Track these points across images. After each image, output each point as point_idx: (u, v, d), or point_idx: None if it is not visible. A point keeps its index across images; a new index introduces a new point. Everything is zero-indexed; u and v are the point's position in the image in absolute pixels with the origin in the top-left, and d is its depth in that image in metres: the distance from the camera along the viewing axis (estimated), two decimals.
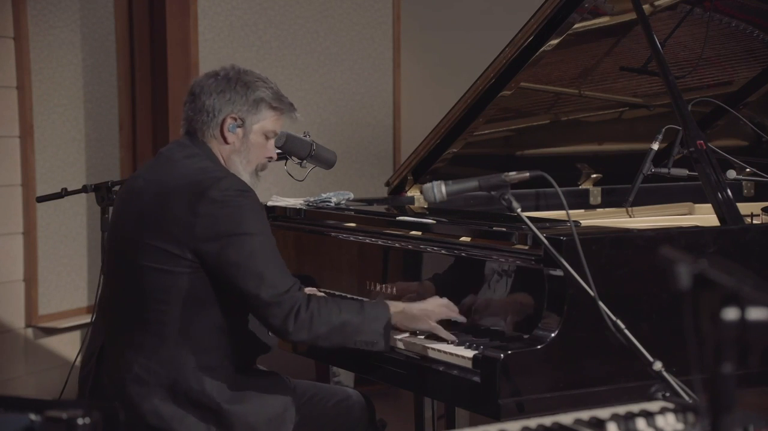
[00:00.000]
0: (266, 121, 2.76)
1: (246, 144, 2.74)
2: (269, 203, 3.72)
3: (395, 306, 2.77)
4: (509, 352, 2.53)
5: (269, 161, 2.82)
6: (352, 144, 5.49)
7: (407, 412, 3.68)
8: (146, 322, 2.62)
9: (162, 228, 2.60)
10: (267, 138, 2.78)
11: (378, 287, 3.19)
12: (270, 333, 2.76)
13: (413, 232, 3.14)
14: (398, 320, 2.76)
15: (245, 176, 2.73)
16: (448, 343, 2.77)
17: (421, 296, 2.96)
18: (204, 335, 2.62)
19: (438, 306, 2.82)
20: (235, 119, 2.72)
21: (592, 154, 4.33)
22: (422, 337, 2.85)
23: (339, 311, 2.65)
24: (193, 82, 2.78)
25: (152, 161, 2.82)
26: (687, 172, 3.15)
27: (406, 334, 2.89)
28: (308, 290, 3.15)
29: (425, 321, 2.79)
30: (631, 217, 3.76)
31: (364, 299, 3.07)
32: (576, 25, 3.42)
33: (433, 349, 2.76)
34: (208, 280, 2.60)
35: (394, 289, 3.14)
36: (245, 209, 2.60)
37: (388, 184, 4.14)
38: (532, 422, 1.70)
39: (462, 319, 2.84)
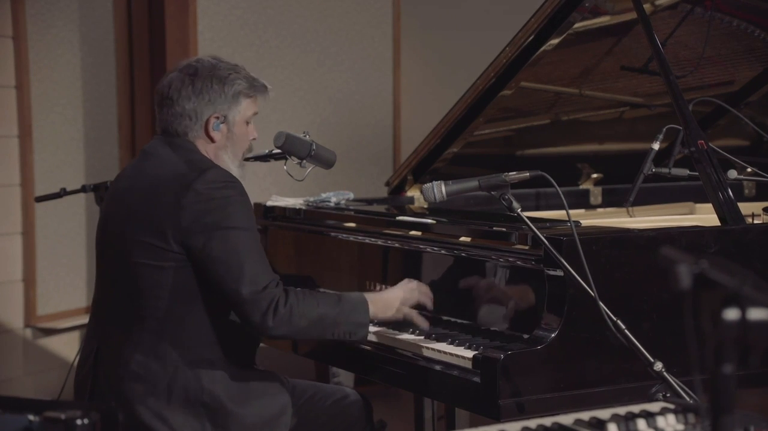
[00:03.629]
0: (246, 109, 2.77)
1: (232, 138, 2.76)
2: (269, 203, 3.72)
3: (370, 298, 2.79)
4: (509, 352, 2.52)
5: (253, 141, 2.84)
6: (352, 144, 5.49)
7: (407, 412, 3.67)
8: (142, 319, 2.62)
9: (150, 223, 2.60)
10: (248, 123, 2.79)
11: (378, 288, 3.19)
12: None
13: (413, 232, 3.14)
14: (373, 311, 2.77)
15: (234, 169, 2.74)
16: (446, 343, 2.77)
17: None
18: (199, 329, 2.62)
19: (410, 291, 2.86)
20: (218, 118, 2.72)
21: (593, 154, 4.33)
22: (421, 337, 2.86)
23: (317, 305, 2.66)
24: (166, 86, 2.72)
25: (136, 159, 2.81)
26: (688, 172, 3.14)
27: (405, 333, 2.90)
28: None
29: (399, 309, 2.82)
30: (631, 217, 3.76)
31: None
32: (576, 25, 3.42)
33: (433, 349, 2.76)
34: (196, 273, 2.60)
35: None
36: (231, 202, 2.60)
37: (388, 184, 4.14)
38: (532, 422, 1.70)
39: (431, 305, 2.88)
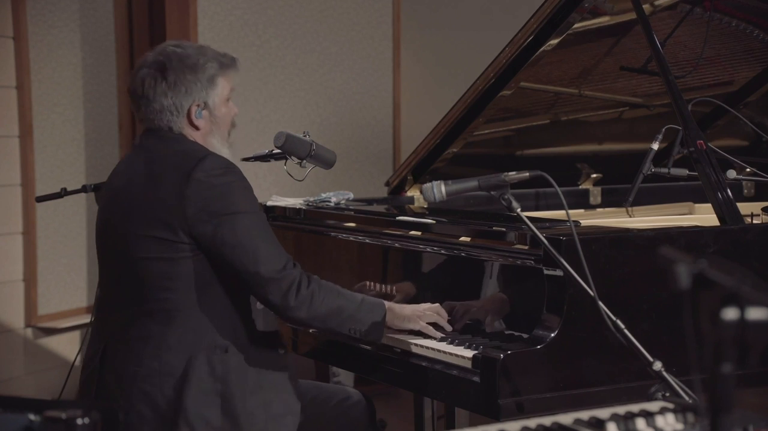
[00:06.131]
0: (223, 89, 2.74)
1: (216, 122, 2.73)
2: (269, 203, 3.72)
3: (388, 305, 2.81)
4: (509, 352, 2.53)
5: (235, 116, 2.81)
6: (352, 144, 5.49)
7: (407, 412, 3.68)
8: (150, 312, 2.61)
9: (154, 217, 2.60)
10: (228, 100, 2.77)
11: (378, 287, 3.19)
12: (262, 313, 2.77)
13: (413, 232, 3.14)
14: (390, 318, 2.79)
15: (224, 152, 2.73)
16: (446, 342, 2.78)
17: (414, 298, 2.99)
18: (212, 316, 2.61)
19: (429, 310, 2.87)
20: (199, 105, 2.70)
21: (592, 154, 4.33)
22: (421, 337, 2.86)
23: (337, 295, 2.69)
24: (138, 84, 2.69)
25: (129, 155, 2.80)
26: (687, 172, 3.15)
27: (405, 333, 2.90)
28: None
29: (416, 321, 2.84)
30: (631, 217, 3.76)
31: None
32: (576, 25, 3.42)
33: (433, 349, 2.76)
34: (208, 261, 2.61)
35: (394, 289, 3.14)
36: (233, 187, 2.61)
37: (388, 184, 4.15)
38: (532, 422, 1.70)
39: (449, 327, 2.87)
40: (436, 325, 2.86)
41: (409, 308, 2.85)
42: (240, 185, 2.63)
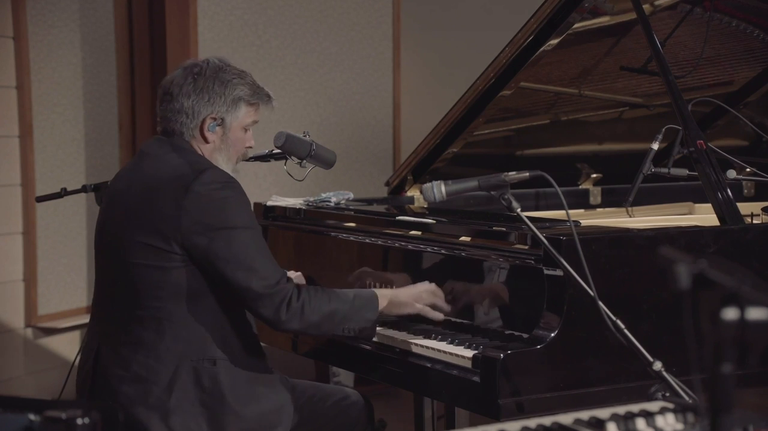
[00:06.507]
0: (245, 117, 2.76)
1: (226, 142, 2.75)
2: (269, 203, 3.72)
3: (383, 294, 2.81)
4: (509, 352, 2.53)
5: (249, 149, 2.84)
6: (352, 144, 5.49)
7: (407, 412, 3.68)
8: (141, 319, 2.62)
9: (149, 224, 2.61)
10: (246, 131, 2.79)
11: (377, 286, 3.19)
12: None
13: (413, 232, 3.14)
14: (386, 306, 2.80)
15: (227, 171, 2.74)
16: (446, 342, 2.78)
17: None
18: (200, 328, 2.63)
19: (425, 292, 2.87)
20: (215, 119, 2.72)
21: (592, 154, 4.33)
22: (421, 337, 2.86)
23: (329, 301, 2.70)
24: (168, 81, 2.74)
25: (134, 159, 2.82)
26: (687, 172, 3.15)
27: (404, 332, 2.90)
28: (290, 273, 3.16)
29: (412, 305, 2.84)
30: (631, 217, 3.76)
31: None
32: (576, 25, 3.42)
33: (433, 349, 2.76)
34: (200, 272, 2.61)
35: (394, 287, 3.14)
36: (231, 202, 2.62)
37: (388, 184, 4.15)
38: (532, 422, 1.70)
39: (447, 308, 2.87)
40: (434, 313, 2.87)
41: (404, 294, 2.84)
42: (238, 199, 2.64)
